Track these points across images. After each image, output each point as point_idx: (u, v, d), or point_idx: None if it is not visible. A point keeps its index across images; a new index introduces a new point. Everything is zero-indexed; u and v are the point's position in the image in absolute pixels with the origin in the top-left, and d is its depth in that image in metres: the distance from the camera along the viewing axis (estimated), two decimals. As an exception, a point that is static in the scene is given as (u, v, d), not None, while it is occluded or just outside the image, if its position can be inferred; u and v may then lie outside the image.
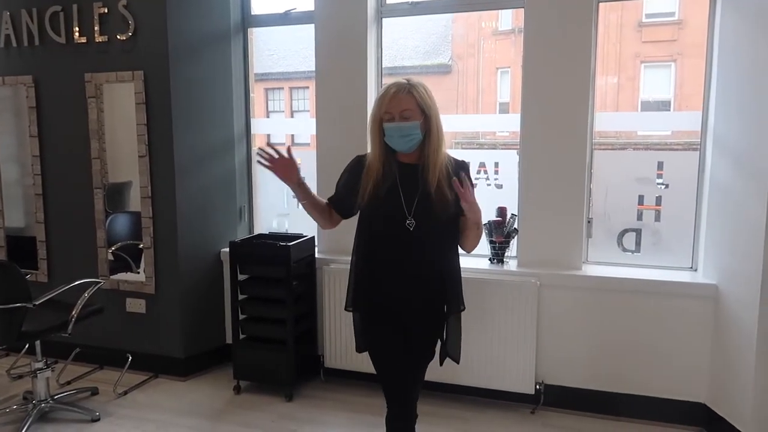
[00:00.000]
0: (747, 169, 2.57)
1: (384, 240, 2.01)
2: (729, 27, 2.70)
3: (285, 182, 2.04)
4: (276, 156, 2.00)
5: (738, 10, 2.64)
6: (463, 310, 2.12)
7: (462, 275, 2.12)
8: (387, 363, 2.06)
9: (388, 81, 3.50)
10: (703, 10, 2.88)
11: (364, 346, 2.13)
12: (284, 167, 2.02)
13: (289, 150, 1.99)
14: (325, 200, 2.16)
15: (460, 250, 2.09)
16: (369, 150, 2.05)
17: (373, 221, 2.02)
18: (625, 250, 3.15)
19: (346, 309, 2.15)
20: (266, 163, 2.01)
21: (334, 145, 3.39)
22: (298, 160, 2.03)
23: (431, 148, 1.95)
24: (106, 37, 3.36)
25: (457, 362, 2.15)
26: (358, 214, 2.09)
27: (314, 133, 3.46)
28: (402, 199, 1.96)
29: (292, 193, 2.10)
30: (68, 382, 3.47)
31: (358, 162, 2.09)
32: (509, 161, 3.30)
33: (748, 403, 2.57)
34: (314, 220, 2.18)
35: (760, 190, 2.45)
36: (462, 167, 2.04)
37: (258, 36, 3.90)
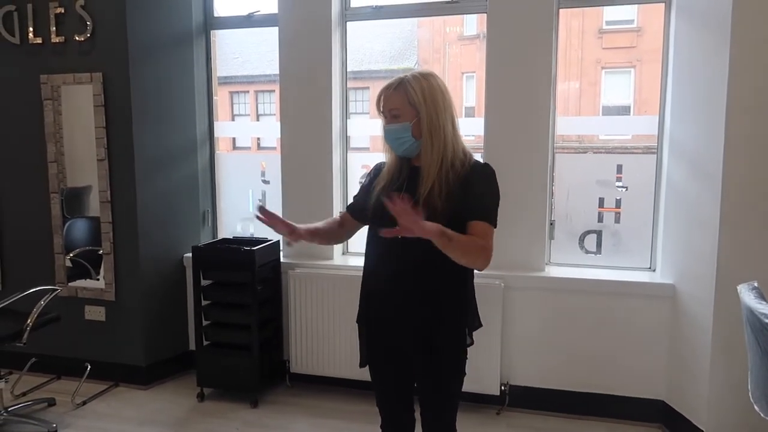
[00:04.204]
0: (700, 171, 2.65)
1: (379, 251, 1.82)
2: (683, 34, 2.79)
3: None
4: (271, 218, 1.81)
5: (691, 18, 2.72)
6: (470, 344, 1.85)
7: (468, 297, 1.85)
8: (377, 387, 1.95)
9: (352, 84, 3.52)
10: (659, 17, 2.96)
11: (363, 362, 1.94)
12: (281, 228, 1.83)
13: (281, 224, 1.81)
14: (322, 223, 1.97)
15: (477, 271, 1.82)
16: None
17: (372, 229, 1.85)
18: (586, 251, 3.22)
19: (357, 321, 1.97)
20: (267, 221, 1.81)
21: (299, 148, 3.37)
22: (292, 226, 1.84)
23: (427, 151, 1.71)
24: (63, 37, 3.28)
25: (430, 415, 1.87)
26: None
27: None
28: None
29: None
30: (23, 394, 3.35)
31: (376, 168, 1.93)
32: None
33: (704, 398, 2.64)
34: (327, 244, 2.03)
35: (713, 191, 2.53)
36: (475, 171, 1.74)
37: (223, 39, 3.86)
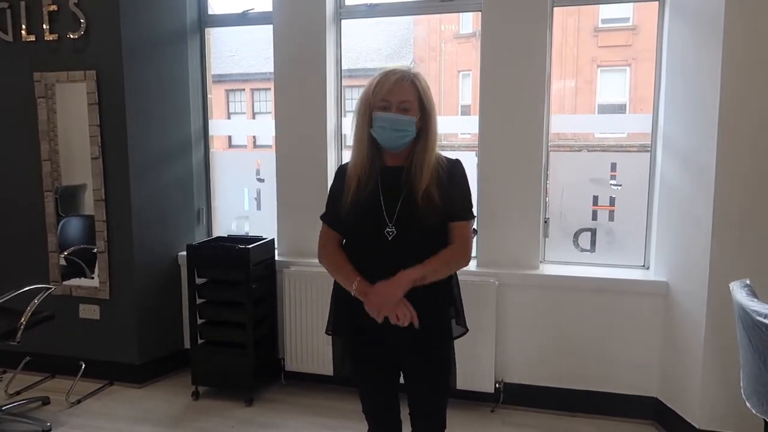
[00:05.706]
0: (693, 168, 2.66)
1: (363, 252, 1.78)
2: (676, 33, 2.79)
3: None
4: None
5: (684, 17, 2.73)
6: (463, 334, 1.87)
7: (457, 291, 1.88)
8: (366, 395, 1.95)
9: (348, 83, 3.52)
10: (655, 16, 2.97)
11: (344, 372, 1.92)
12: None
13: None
14: (348, 263, 1.83)
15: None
16: (352, 145, 1.82)
17: (352, 230, 1.80)
18: (581, 249, 3.22)
19: (326, 332, 1.92)
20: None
21: (294, 146, 3.37)
22: None
23: (424, 149, 1.71)
24: (57, 35, 3.26)
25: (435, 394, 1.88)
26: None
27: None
28: (383, 204, 1.72)
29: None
30: (17, 392, 3.34)
31: (341, 171, 1.86)
32: (471, 162, 3.32)
33: (697, 395, 2.65)
34: None
35: (706, 188, 2.53)
36: (455, 167, 1.79)
37: (218, 37, 3.85)
